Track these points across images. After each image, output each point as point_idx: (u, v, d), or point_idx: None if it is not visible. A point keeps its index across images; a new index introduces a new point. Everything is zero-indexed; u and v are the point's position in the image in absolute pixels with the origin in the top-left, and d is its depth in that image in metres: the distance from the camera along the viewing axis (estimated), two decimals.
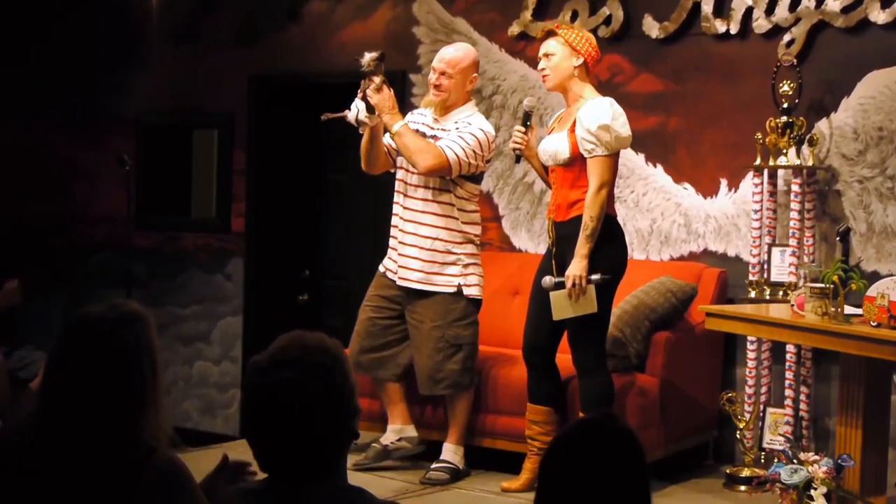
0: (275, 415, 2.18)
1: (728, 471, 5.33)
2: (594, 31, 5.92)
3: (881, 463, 4.59)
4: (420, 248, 5.16)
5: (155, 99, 7.53)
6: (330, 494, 2.22)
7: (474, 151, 5.06)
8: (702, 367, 5.61)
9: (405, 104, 6.63)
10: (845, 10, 5.43)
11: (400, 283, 5.22)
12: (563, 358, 4.99)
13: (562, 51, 4.87)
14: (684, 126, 5.89)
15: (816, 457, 4.44)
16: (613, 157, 4.79)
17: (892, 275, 4.97)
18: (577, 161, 4.79)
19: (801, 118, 5.41)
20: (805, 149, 5.41)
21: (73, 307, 7.56)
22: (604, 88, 5.66)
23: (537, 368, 5.02)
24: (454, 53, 5.20)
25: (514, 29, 6.30)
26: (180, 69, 7.42)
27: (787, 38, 5.57)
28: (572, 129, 4.80)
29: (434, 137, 5.13)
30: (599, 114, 4.74)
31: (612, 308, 4.99)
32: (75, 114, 7.80)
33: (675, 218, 5.91)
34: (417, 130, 5.15)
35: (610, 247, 4.79)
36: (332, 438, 2.22)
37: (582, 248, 4.71)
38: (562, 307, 4.76)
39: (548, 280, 4.79)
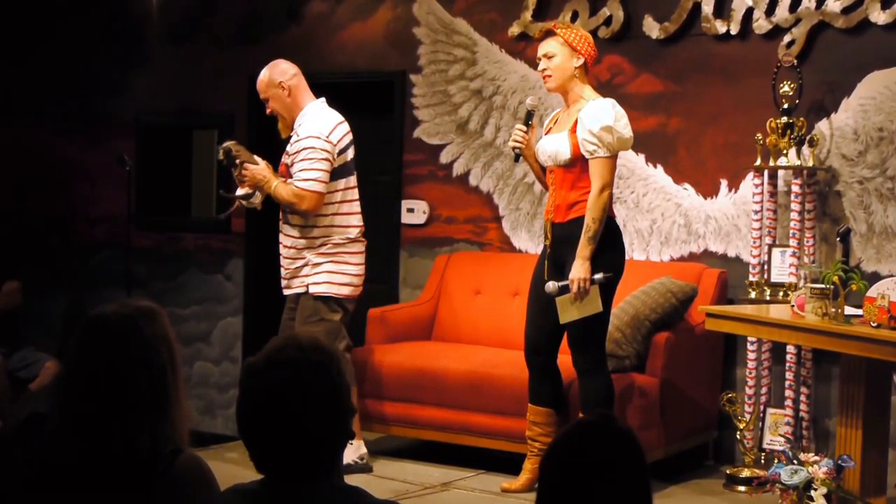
0: (274, 415, 2.17)
1: (728, 471, 5.33)
2: (594, 31, 5.93)
3: (881, 463, 4.58)
4: (284, 258, 5.36)
5: (155, 99, 7.52)
6: (327, 494, 2.21)
7: (320, 160, 5.18)
8: (702, 367, 5.60)
9: (405, 104, 6.65)
10: (846, 11, 5.43)
11: (286, 292, 5.42)
12: (565, 359, 4.99)
13: (563, 51, 4.86)
14: (684, 127, 5.89)
15: (816, 457, 4.44)
16: (615, 159, 4.79)
17: (892, 275, 4.97)
18: (577, 162, 4.79)
19: (802, 119, 5.41)
20: (805, 149, 5.41)
21: (73, 307, 7.57)
22: (604, 89, 5.66)
23: (539, 369, 5.01)
24: (259, 82, 5.34)
25: (515, 29, 6.30)
26: (180, 69, 7.42)
27: (787, 38, 5.57)
28: (573, 130, 4.79)
29: (287, 152, 5.30)
30: (602, 115, 4.73)
31: (613, 309, 4.98)
32: (75, 114, 7.80)
33: (675, 218, 5.91)
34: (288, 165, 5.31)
35: (610, 249, 4.78)
36: (329, 438, 2.21)
37: (584, 249, 4.71)
38: (567, 310, 4.76)
39: (551, 286, 4.77)
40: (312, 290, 5.26)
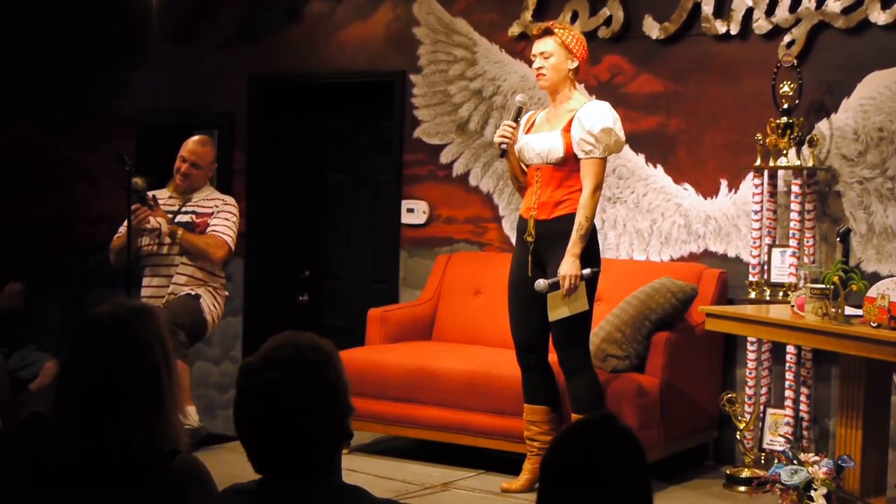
0: (269, 414, 2.17)
1: (728, 471, 5.32)
2: (595, 31, 5.94)
3: (881, 463, 4.59)
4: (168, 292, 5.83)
5: (155, 99, 7.52)
6: (326, 493, 2.21)
7: (235, 223, 5.85)
8: (702, 367, 5.60)
9: (405, 104, 6.65)
10: (846, 11, 5.43)
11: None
12: (557, 358, 4.99)
13: (559, 52, 4.89)
14: (684, 127, 5.89)
15: (816, 457, 4.44)
16: (606, 160, 4.84)
17: (892, 275, 4.97)
18: (568, 161, 4.82)
19: (802, 119, 5.41)
20: (805, 149, 5.41)
21: (73, 307, 7.56)
22: (604, 89, 5.68)
23: (531, 368, 5.02)
24: (203, 152, 5.90)
25: (515, 29, 6.30)
26: (180, 69, 7.42)
27: (787, 38, 5.57)
28: (566, 129, 4.82)
29: (196, 214, 5.84)
30: (602, 117, 4.78)
31: (613, 308, 4.99)
32: (75, 114, 7.79)
33: (675, 219, 5.91)
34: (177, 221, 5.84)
35: (590, 246, 4.83)
36: (326, 437, 2.21)
37: (575, 247, 4.74)
38: (557, 308, 4.78)
39: (542, 283, 4.78)
40: (202, 301, 5.72)
